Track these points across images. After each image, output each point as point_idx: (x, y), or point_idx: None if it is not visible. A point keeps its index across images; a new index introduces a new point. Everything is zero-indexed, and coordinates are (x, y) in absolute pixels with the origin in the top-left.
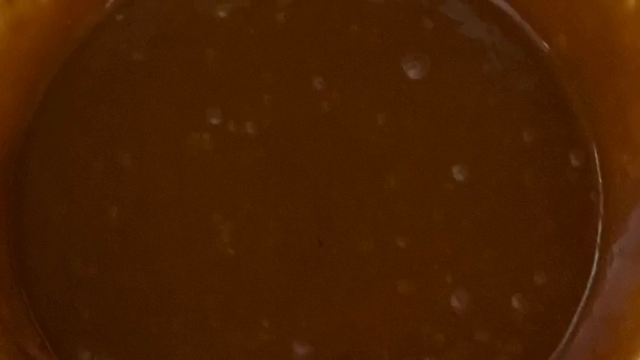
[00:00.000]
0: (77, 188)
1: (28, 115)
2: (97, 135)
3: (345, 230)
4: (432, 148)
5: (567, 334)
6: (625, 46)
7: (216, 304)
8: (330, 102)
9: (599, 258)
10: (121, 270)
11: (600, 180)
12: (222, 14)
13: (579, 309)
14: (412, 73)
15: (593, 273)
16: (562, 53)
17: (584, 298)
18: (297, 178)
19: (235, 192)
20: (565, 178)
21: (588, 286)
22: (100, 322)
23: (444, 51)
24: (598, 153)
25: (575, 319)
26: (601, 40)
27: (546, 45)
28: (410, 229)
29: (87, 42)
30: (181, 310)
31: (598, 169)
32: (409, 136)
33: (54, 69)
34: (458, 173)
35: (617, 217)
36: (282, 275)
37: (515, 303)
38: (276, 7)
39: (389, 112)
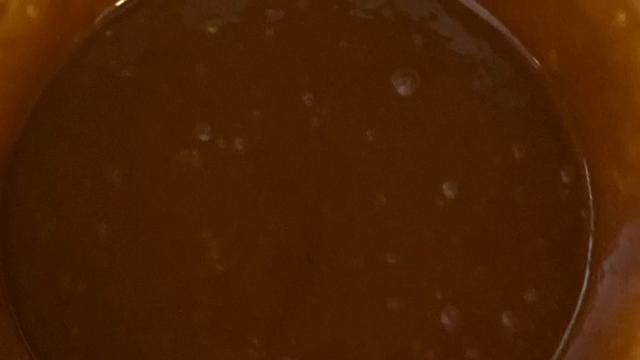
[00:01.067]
0: (66, 205)
1: (17, 131)
2: (86, 151)
3: (335, 247)
4: (422, 164)
5: (558, 352)
6: (616, 62)
7: (205, 322)
8: (319, 118)
9: (590, 275)
10: (110, 287)
11: (591, 196)
12: (211, 30)
13: (570, 326)
14: (402, 90)
15: (583, 290)
16: (552, 69)
17: (574, 315)
18: (286, 194)
19: (225, 209)
20: (555, 195)
21: (579, 303)
22: (89, 340)
23: (434, 67)
24: (589, 169)
25: (565, 336)
26: (592, 56)
27: (537, 61)
28: (400, 246)
29: (76, 58)
30: (170, 328)
31: (589, 185)
32: (399, 153)
33: (43, 85)
34: (448, 190)
35: (608, 233)
36: (272, 292)
37: (505, 320)
38: (265, 23)
39: (379, 128)
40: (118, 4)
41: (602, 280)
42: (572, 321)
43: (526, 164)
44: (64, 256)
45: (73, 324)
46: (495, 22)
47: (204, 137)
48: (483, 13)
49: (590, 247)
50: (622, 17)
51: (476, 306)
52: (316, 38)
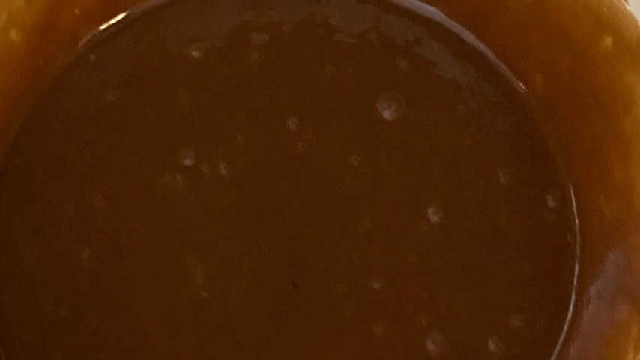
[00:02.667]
0: (49, 230)
1: (0, 155)
2: (70, 176)
3: (320, 272)
4: (407, 189)
5: None
6: (601, 87)
7: (189, 347)
8: (304, 143)
9: (576, 300)
10: (93, 312)
11: (577, 221)
12: (195, 54)
13: (556, 352)
14: (387, 114)
15: (569, 315)
16: (538, 94)
17: (560, 340)
18: (271, 219)
19: (209, 234)
20: (541, 220)
21: (564, 328)
22: None
23: (420, 91)
24: (574, 194)
25: None
26: (577, 80)
27: (522, 86)
28: (385, 271)
29: (59, 82)
30: (154, 354)
31: (574, 210)
32: (384, 178)
33: (26, 109)
34: (433, 215)
35: (594, 258)
36: (256, 318)
37: (491, 346)
38: (249, 47)
39: (364, 153)
40: (102, 27)
41: (588, 306)
42: (558, 346)
43: (511, 189)
44: (47, 282)
45: (56, 350)
46: (481, 46)
47: (187, 162)
48: (469, 37)
49: (576, 272)
50: (608, 41)
51: (461, 331)
52: (301, 62)
